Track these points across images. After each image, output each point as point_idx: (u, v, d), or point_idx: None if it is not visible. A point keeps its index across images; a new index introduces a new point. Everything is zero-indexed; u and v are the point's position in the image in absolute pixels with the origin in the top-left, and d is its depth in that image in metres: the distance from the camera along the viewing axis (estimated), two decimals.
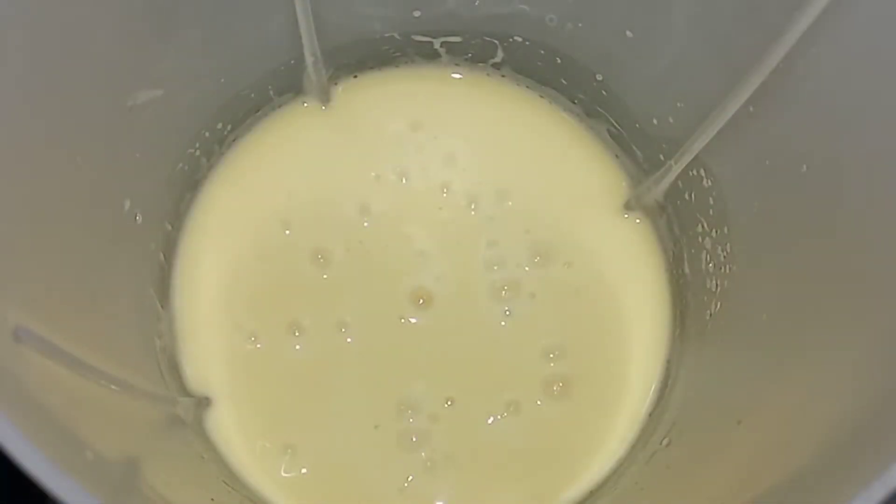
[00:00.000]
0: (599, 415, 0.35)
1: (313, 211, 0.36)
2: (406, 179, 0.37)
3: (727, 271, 0.33)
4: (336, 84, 0.38)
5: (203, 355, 0.34)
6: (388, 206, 0.37)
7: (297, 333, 0.35)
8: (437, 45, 0.38)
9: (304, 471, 0.33)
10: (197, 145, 0.35)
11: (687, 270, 0.36)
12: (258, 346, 0.35)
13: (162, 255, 0.35)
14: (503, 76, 0.39)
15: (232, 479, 0.33)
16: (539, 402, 0.34)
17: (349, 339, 0.35)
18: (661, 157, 0.35)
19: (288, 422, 0.34)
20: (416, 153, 0.37)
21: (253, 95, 0.37)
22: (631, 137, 0.37)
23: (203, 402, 0.34)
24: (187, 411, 0.33)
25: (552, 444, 0.34)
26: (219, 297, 0.35)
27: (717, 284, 0.34)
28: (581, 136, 0.38)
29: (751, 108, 0.29)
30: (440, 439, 0.34)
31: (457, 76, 0.39)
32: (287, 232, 0.36)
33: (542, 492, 0.34)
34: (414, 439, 0.34)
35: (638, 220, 0.37)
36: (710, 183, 0.33)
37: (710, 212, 0.34)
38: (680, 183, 0.35)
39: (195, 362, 0.34)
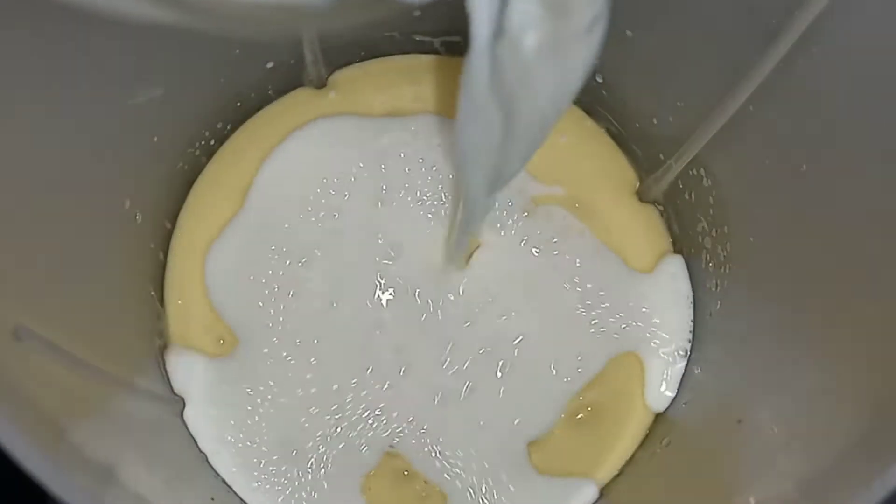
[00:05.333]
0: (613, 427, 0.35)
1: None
2: (409, 169, 0.36)
3: (727, 271, 0.33)
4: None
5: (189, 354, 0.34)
6: (391, 200, 0.36)
7: (287, 334, 0.34)
8: (436, 45, 0.38)
9: (296, 471, 0.33)
10: (197, 145, 0.35)
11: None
12: (245, 348, 0.34)
13: (161, 254, 0.35)
14: None
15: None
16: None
17: (342, 341, 0.34)
18: (661, 156, 0.35)
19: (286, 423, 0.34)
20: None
21: (253, 95, 0.37)
22: (631, 137, 0.37)
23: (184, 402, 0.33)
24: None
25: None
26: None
27: (717, 284, 0.34)
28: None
29: (751, 108, 0.29)
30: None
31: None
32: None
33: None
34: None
35: None
36: (710, 183, 0.33)
37: (710, 212, 0.34)
38: (680, 183, 0.35)
39: (181, 362, 0.34)
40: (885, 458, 0.20)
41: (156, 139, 0.33)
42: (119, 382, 0.28)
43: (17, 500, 0.29)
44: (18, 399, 0.20)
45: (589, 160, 0.37)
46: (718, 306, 0.34)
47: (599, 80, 0.36)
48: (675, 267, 0.36)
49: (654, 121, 0.35)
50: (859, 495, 0.20)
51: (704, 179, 0.33)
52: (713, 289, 0.34)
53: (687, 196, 0.35)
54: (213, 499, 0.31)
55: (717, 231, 0.34)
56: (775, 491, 0.25)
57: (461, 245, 0.34)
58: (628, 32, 0.33)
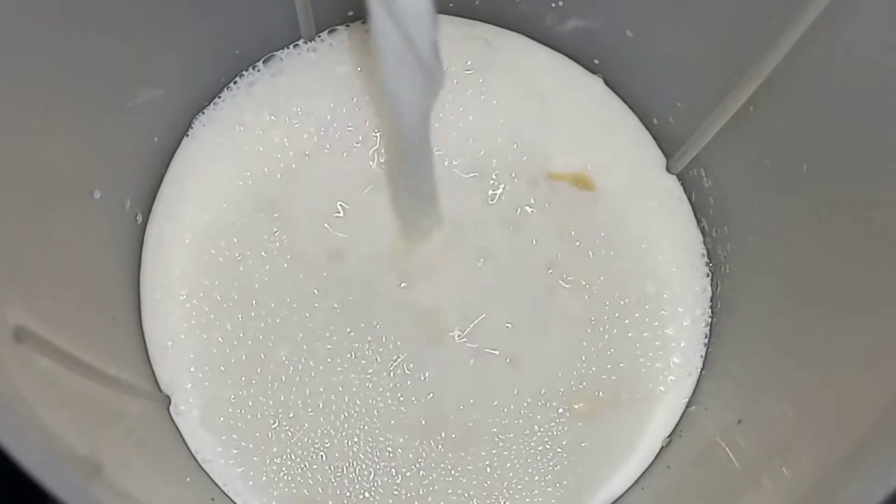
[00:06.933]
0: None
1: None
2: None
3: (727, 271, 0.33)
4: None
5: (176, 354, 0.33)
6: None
7: (277, 330, 0.34)
8: None
9: (280, 462, 0.33)
10: None
11: None
12: (238, 345, 0.34)
13: None
14: None
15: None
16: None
17: (331, 334, 0.34)
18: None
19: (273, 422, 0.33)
20: None
21: None
22: None
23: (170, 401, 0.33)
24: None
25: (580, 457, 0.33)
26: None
27: (717, 284, 0.34)
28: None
29: (751, 108, 0.29)
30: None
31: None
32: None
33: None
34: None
35: None
36: (710, 183, 0.33)
37: (710, 212, 0.34)
38: (680, 182, 0.35)
39: (169, 362, 0.33)
40: (886, 459, 0.20)
41: (156, 139, 0.33)
42: (119, 382, 0.28)
43: (17, 500, 0.29)
44: (18, 399, 0.20)
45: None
46: (719, 306, 0.34)
47: (600, 80, 0.36)
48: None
49: (655, 121, 0.35)
50: (860, 496, 0.20)
51: (704, 179, 0.33)
52: (713, 289, 0.34)
53: (687, 196, 0.35)
54: (213, 499, 0.31)
55: (717, 231, 0.34)
56: (775, 492, 0.25)
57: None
58: (628, 32, 0.33)
